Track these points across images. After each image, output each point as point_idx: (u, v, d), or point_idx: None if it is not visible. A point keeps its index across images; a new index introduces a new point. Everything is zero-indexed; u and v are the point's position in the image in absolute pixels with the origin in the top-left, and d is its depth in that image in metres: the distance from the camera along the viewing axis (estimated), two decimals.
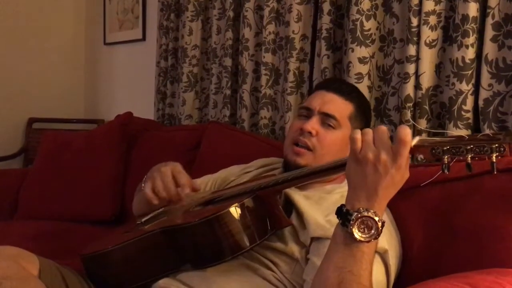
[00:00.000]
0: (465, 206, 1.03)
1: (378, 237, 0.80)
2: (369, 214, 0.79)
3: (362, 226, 0.79)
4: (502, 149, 0.72)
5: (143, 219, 1.19)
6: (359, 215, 0.79)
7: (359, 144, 0.81)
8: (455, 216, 1.04)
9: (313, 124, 1.17)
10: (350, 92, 1.23)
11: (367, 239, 0.79)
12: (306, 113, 1.21)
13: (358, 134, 0.82)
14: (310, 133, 1.16)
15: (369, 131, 0.81)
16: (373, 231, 0.79)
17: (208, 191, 1.32)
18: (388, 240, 1.01)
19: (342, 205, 0.83)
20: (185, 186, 1.14)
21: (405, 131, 0.78)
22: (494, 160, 0.72)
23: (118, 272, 1.10)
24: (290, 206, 1.11)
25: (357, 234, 0.79)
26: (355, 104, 1.22)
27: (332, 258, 0.83)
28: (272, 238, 1.06)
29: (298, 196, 1.11)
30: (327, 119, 1.17)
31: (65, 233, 1.93)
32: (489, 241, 0.95)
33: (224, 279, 1.03)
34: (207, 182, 1.36)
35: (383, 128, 0.81)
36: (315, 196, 1.12)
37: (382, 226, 0.80)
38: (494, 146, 0.72)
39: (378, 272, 0.96)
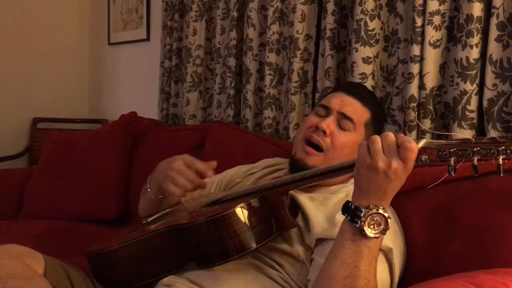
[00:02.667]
0: (469, 206, 1.03)
1: (386, 232, 0.82)
2: (380, 210, 0.81)
3: (372, 223, 0.81)
4: (508, 151, 0.73)
5: (149, 219, 1.19)
6: (370, 212, 0.81)
7: (368, 152, 0.82)
8: (459, 216, 1.04)
9: (329, 123, 1.16)
10: (369, 99, 1.23)
11: (376, 235, 0.81)
12: (324, 111, 1.20)
13: (366, 143, 0.83)
14: (324, 132, 1.15)
15: (377, 140, 0.82)
16: (382, 227, 0.81)
17: (213, 193, 1.32)
18: (393, 239, 1.02)
19: (348, 202, 0.84)
20: (206, 170, 1.13)
21: (408, 139, 0.80)
22: (501, 163, 0.73)
23: (123, 270, 1.11)
24: (296, 208, 1.11)
25: (367, 230, 0.81)
26: (372, 111, 1.22)
27: (338, 254, 0.84)
28: (278, 239, 1.06)
29: (303, 198, 1.11)
30: (344, 120, 1.17)
31: (69, 232, 1.94)
32: (493, 241, 0.95)
33: (231, 277, 1.03)
34: (212, 183, 1.36)
35: (391, 136, 0.82)
36: (320, 197, 1.12)
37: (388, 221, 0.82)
38: (500, 148, 0.73)
39: (382, 271, 0.96)
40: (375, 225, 0.81)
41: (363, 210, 0.81)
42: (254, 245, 0.99)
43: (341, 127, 1.17)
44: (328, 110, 1.19)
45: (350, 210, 0.83)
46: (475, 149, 0.75)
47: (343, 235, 0.84)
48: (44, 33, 3.14)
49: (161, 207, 1.24)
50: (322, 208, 1.08)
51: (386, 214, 0.81)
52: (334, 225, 1.00)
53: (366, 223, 0.81)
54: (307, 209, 1.08)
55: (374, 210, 0.81)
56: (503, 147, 0.73)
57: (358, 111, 1.19)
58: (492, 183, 1.01)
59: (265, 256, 1.07)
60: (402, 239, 1.08)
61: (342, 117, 1.17)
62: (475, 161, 0.75)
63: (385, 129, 1.46)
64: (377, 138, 0.82)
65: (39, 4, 3.11)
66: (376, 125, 1.23)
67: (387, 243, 0.98)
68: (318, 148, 1.17)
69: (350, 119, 1.17)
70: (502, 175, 0.75)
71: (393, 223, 1.06)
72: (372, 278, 0.82)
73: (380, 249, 0.94)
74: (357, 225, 0.81)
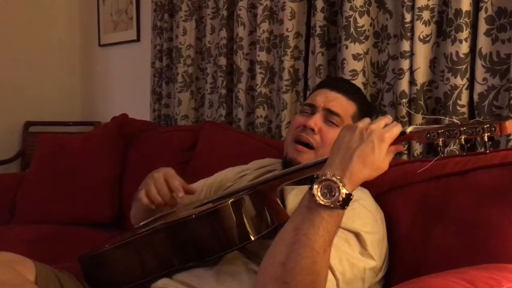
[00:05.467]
0: (460, 201, 1.03)
1: (342, 208, 0.81)
2: (334, 178, 0.80)
3: (325, 190, 0.80)
4: (493, 128, 0.77)
5: (142, 223, 1.19)
6: (324, 178, 0.81)
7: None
8: (450, 211, 1.03)
9: (316, 121, 1.16)
10: (353, 92, 1.23)
11: (326, 203, 0.80)
12: (310, 109, 1.20)
13: None
14: (312, 130, 1.16)
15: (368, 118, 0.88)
16: (334, 198, 0.80)
17: (203, 198, 1.31)
18: (372, 225, 1.02)
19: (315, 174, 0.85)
20: (178, 189, 1.14)
21: (396, 123, 0.86)
22: (486, 140, 0.77)
23: (116, 272, 1.09)
24: (283, 201, 1.12)
25: (317, 196, 0.80)
26: (358, 104, 1.22)
27: (293, 219, 0.84)
28: (270, 236, 1.06)
29: (287, 189, 1.13)
30: (331, 116, 1.17)
31: (63, 236, 1.92)
32: (484, 236, 0.95)
33: (225, 279, 1.03)
34: (202, 188, 1.35)
35: (388, 116, 0.87)
36: (302, 187, 1.12)
37: (348, 198, 0.80)
38: (485, 126, 0.77)
39: (350, 253, 0.96)
40: (328, 194, 0.80)
41: (320, 177, 0.82)
42: (246, 239, 0.98)
43: (328, 123, 1.17)
44: (313, 108, 1.20)
45: (312, 180, 0.83)
46: (462, 129, 0.79)
47: (301, 202, 0.85)
48: (34, 36, 3.11)
49: (153, 213, 1.23)
50: (300, 195, 1.09)
51: (340, 184, 0.80)
52: None
53: (319, 189, 0.80)
54: (287, 198, 1.10)
55: (329, 177, 0.80)
56: (487, 125, 0.77)
57: (343, 105, 1.19)
58: (483, 178, 1.01)
59: (258, 257, 1.07)
60: (384, 228, 1.07)
61: (329, 113, 1.17)
62: (463, 139, 0.79)
63: None
64: (368, 118, 0.88)
65: (28, 7, 3.09)
66: (364, 116, 1.22)
67: (352, 227, 0.98)
68: (308, 146, 1.17)
69: (337, 114, 1.17)
70: (488, 151, 0.80)
71: (375, 211, 1.07)
72: (322, 251, 0.80)
73: (350, 231, 0.97)
74: (311, 191, 0.81)
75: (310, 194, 0.82)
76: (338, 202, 0.80)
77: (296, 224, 0.83)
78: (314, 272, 0.80)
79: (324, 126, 1.17)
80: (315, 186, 0.81)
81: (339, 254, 0.94)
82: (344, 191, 0.80)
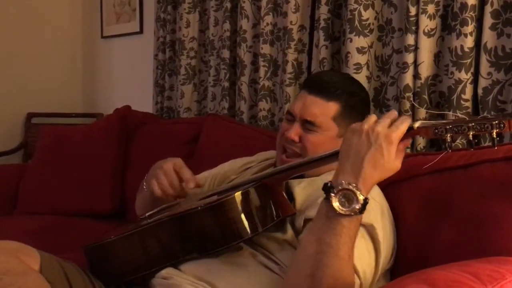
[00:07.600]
0: (464, 195, 1.03)
1: (360, 213, 0.82)
2: (350, 187, 0.81)
3: (343, 200, 0.81)
4: (502, 125, 0.76)
5: (147, 214, 1.19)
6: (340, 188, 0.82)
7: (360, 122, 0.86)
8: (454, 205, 1.04)
9: (295, 131, 1.15)
10: (334, 91, 1.15)
11: (346, 212, 0.81)
12: (291, 117, 1.20)
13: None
14: (293, 140, 1.16)
15: (373, 115, 0.86)
16: (353, 205, 0.81)
17: (206, 190, 1.31)
18: (380, 218, 1.02)
19: (328, 182, 0.85)
20: (189, 180, 1.14)
21: (402, 119, 0.84)
22: (495, 136, 0.77)
23: (121, 262, 1.10)
24: (289, 196, 1.12)
25: (336, 206, 0.81)
26: (341, 102, 1.15)
27: (313, 229, 0.85)
28: (275, 228, 1.07)
29: (293, 183, 1.13)
30: (307, 125, 1.15)
31: (65, 227, 1.93)
32: (488, 229, 0.95)
33: (231, 269, 1.03)
34: (206, 179, 1.35)
35: (393, 111, 0.85)
36: (308, 180, 1.13)
37: (365, 202, 0.81)
38: (494, 122, 0.77)
39: (363, 247, 0.97)
40: (346, 202, 0.81)
41: (336, 186, 0.82)
42: (253, 231, 0.99)
43: (307, 131, 1.15)
44: (293, 117, 1.18)
45: (327, 188, 0.84)
46: (470, 125, 0.78)
47: (319, 212, 0.86)
48: (37, 27, 3.11)
49: (157, 205, 1.23)
50: (309, 188, 1.10)
51: (358, 192, 0.81)
52: (317, 205, 1.00)
53: (337, 199, 0.81)
54: (295, 193, 1.10)
55: (345, 186, 0.81)
56: (496, 122, 0.77)
57: (321, 109, 1.14)
58: (487, 172, 1.01)
59: (263, 248, 1.07)
60: (391, 223, 1.08)
61: (305, 122, 1.15)
62: (471, 136, 0.78)
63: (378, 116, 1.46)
64: (373, 116, 0.86)
65: None
66: (352, 111, 1.16)
67: (369, 219, 0.98)
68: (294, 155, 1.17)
69: (312, 123, 1.14)
70: (496, 147, 0.80)
71: (382, 201, 1.08)
72: (346, 256, 0.82)
73: (365, 225, 0.96)
74: (329, 201, 0.82)
75: (328, 205, 0.82)
76: (357, 209, 0.81)
77: (317, 234, 0.83)
78: (341, 279, 0.82)
79: (304, 133, 1.15)
80: (333, 196, 0.81)
81: (359, 253, 0.93)
82: (361, 197, 0.81)
